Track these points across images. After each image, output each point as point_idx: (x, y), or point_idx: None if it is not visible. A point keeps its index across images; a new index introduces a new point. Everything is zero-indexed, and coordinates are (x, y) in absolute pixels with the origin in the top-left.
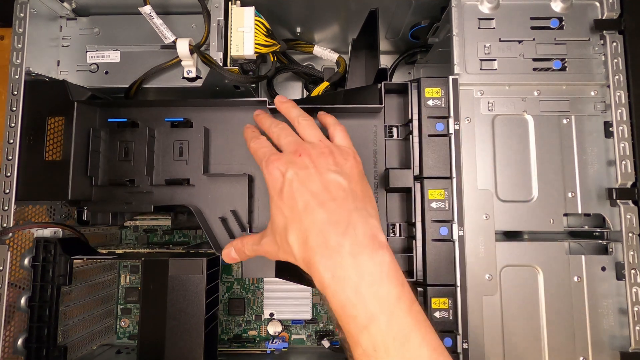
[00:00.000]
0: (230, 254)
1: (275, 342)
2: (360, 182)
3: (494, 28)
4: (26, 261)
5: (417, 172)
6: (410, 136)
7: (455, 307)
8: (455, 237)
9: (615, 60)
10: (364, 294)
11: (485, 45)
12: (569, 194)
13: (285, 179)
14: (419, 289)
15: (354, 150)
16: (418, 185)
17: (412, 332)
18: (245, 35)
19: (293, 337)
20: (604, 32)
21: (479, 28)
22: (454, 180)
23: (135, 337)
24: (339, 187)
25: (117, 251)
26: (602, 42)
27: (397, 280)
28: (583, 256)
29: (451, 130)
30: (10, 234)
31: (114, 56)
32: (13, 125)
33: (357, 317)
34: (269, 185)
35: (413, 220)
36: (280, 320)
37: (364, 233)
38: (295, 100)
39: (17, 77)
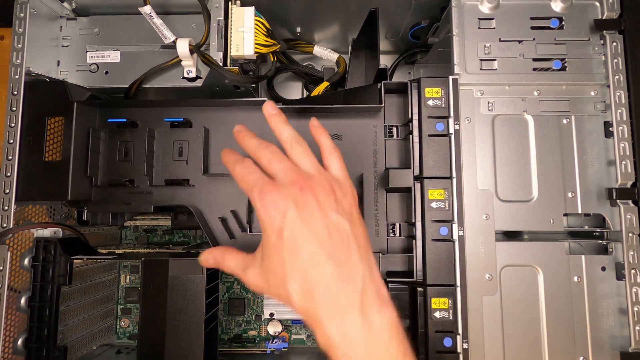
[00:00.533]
0: (208, 260)
1: (275, 342)
2: (359, 223)
3: (494, 28)
4: (26, 261)
5: (417, 172)
6: (410, 136)
7: (455, 307)
8: (455, 237)
9: (615, 60)
10: (376, 353)
11: (485, 45)
12: (569, 194)
13: (285, 219)
14: (419, 289)
15: (351, 183)
16: (418, 185)
17: None
18: (245, 35)
19: (293, 337)
20: (604, 32)
21: (479, 28)
22: (454, 180)
23: (135, 337)
24: (343, 232)
25: (117, 251)
26: (602, 42)
27: (402, 335)
28: (583, 256)
29: (451, 130)
30: (10, 235)
31: (114, 56)
32: (13, 125)
33: None
34: (263, 220)
35: (413, 220)
36: (280, 320)
37: (371, 289)
38: (295, 101)
39: (17, 77)
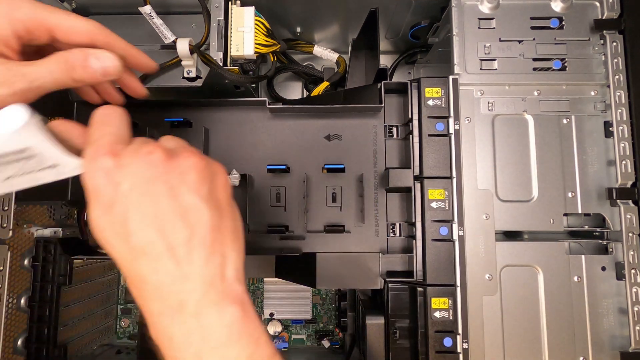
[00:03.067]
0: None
1: (275, 342)
2: (229, 211)
3: (494, 28)
4: (26, 261)
5: (417, 171)
6: (410, 136)
7: (455, 307)
8: (455, 237)
9: (615, 60)
10: (207, 358)
11: (485, 45)
12: (569, 194)
13: (117, 195)
14: (419, 288)
15: (220, 165)
16: (418, 185)
17: None
18: (245, 35)
19: (293, 337)
20: (604, 32)
21: (479, 28)
22: (454, 180)
23: (135, 337)
24: (196, 219)
25: None
26: (602, 42)
27: (249, 338)
28: (583, 256)
29: (451, 130)
30: (10, 234)
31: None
32: None
33: None
34: (89, 188)
35: (413, 220)
36: (280, 320)
37: (215, 286)
38: (295, 101)
39: None
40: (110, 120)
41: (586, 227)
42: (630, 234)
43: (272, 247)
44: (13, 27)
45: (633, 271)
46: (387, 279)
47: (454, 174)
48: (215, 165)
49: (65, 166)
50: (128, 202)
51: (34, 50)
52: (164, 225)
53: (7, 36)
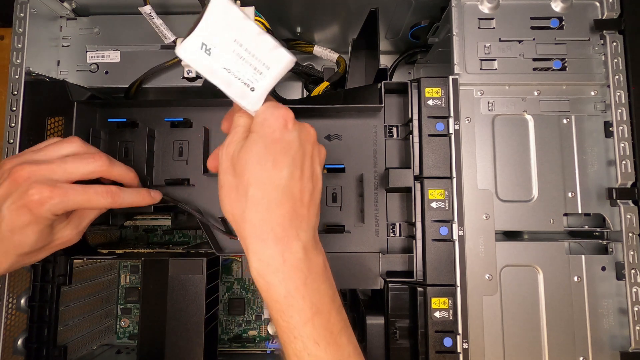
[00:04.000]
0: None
1: (275, 342)
2: (320, 181)
3: (494, 28)
4: None
5: (417, 172)
6: (410, 136)
7: (455, 307)
8: (455, 237)
9: (615, 60)
10: (311, 287)
11: (485, 45)
12: (569, 194)
13: (288, 135)
14: (419, 288)
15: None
16: (418, 185)
17: (343, 329)
18: None
19: None
20: (604, 32)
21: (479, 28)
22: (454, 180)
23: (135, 337)
24: (317, 181)
25: (117, 251)
26: (602, 42)
27: (331, 279)
28: (583, 256)
29: (451, 130)
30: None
31: (114, 56)
32: (13, 125)
33: (302, 309)
34: (264, 124)
35: (413, 220)
36: None
37: (315, 236)
38: (295, 101)
39: (17, 77)
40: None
41: (586, 227)
42: (630, 234)
43: None
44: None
45: (633, 271)
46: (387, 279)
47: (454, 174)
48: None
49: (254, 99)
50: (291, 145)
51: None
52: (304, 172)
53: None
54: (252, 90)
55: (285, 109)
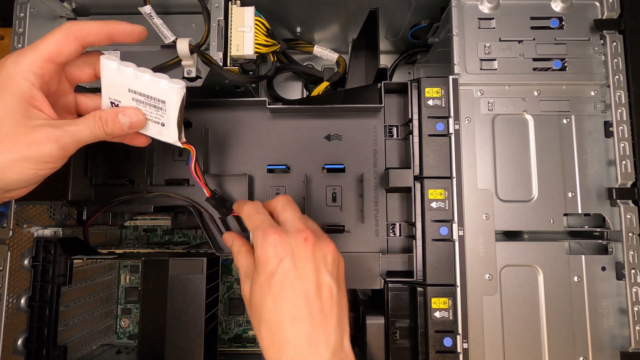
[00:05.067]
0: (227, 241)
1: None
2: (344, 290)
3: (494, 28)
4: (26, 261)
5: (417, 171)
6: (410, 136)
7: (455, 307)
8: (455, 237)
9: (615, 60)
10: None
11: (485, 45)
12: (569, 194)
13: (280, 266)
14: (419, 288)
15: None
16: (418, 185)
17: None
18: (245, 35)
19: None
20: (604, 32)
21: (479, 28)
22: (454, 180)
23: (135, 337)
24: (329, 294)
25: (117, 251)
26: (602, 42)
27: None
28: (583, 256)
29: (451, 130)
30: (10, 234)
31: (114, 56)
32: None
33: None
34: (259, 259)
35: (413, 220)
36: None
37: (337, 354)
38: (295, 100)
39: None
40: (261, 211)
41: (586, 227)
42: (630, 234)
43: None
44: (29, 82)
45: (633, 271)
46: (387, 279)
47: (454, 174)
48: (339, 253)
49: (171, 133)
50: (286, 275)
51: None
52: (308, 295)
53: (29, 92)
54: (164, 126)
55: (274, 233)
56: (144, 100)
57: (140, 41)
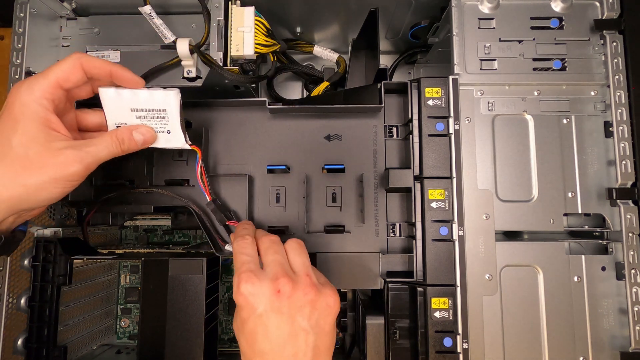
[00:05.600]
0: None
1: None
2: (328, 334)
3: (494, 28)
4: (26, 261)
5: (417, 172)
6: (410, 136)
7: (455, 307)
8: (455, 237)
9: (615, 60)
10: None
11: (485, 45)
12: (569, 194)
13: (253, 315)
14: (419, 288)
15: (336, 293)
16: (418, 185)
17: None
18: (245, 35)
19: None
20: (604, 32)
21: (479, 28)
22: (454, 180)
23: (135, 337)
24: (304, 343)
25: (117, 251)
26: (602, 42)
27: None
28: (583, 256)
29: (451, 130)
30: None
31: (114, 56)
32: None
33: None
34: (237, 302)
35: (413, 220)
36: None
37: None
38: (295, 101)
39: (17, 77)
40: (247, 251)
41: (586, 227)
42: (630, 234)
43: None
44: (44, 107)
45: (633, 271)
46: (387, 279)
47: (454, 174)
48: (327, 297)
49: (178, 138)
50: (258, 322)
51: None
52: (280, 341)
53: (45, 116)
54: (170, 133)
55: (246, 281)
56: (147, 115)
57: (138, 87)
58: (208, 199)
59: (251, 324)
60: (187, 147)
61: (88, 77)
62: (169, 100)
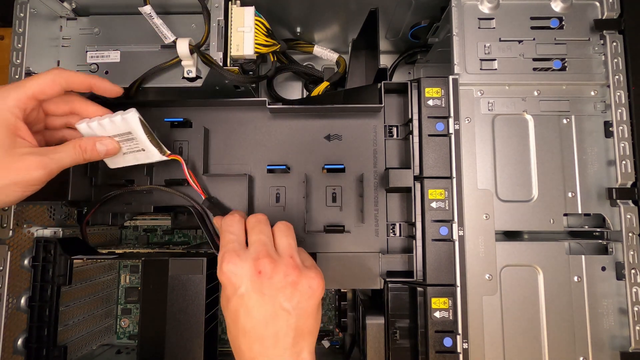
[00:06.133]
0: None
1: None
2: (311, 316)
3: (494, 28)
4: (26, 261)
5: (417, 172)
6: (410, 136)
7: (455, 307)
8: (455, 237)
9: (615, 60)
10: None
11: (485, 45)
12: (569, 194)
13: (235, 294)
14: (419, 288)
15: (321, 275)
16: (418, 185)
17: None
18: (245, 35)
19: None
20: (604, 32)
21: (479, 28)
22: (454, 180)
23: (135, 337)
24: (285, 323)
25: (117, 251)
26: (602, 42)
27: None
28: (583, 256)
29: (451, 130)
30: (10, 234)
31: (114, 56)
32: None
33: None
34: (220, 279)
35: (413, 220)
36: None
37: None
38: (295, 101)
39: (17, 77)
40: (233, 229)
41: (586, 227)
42: (630, 234)
43: None
44: (15, 115)
45: (633, 271)
46: (387, 279)
47: (454, 174)
48: (309, 279)
49: (152, 153)
50: (240, 301)
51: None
52: (261, 321)
53: (15, 124)
54: (144, 150)
55: (229, 261)
56: (120, 139)
57: (116, 96)
58: (203, 197)
59: (234, 302)
60: (166, 158)
61: (66, 90)
62: (128, 122)
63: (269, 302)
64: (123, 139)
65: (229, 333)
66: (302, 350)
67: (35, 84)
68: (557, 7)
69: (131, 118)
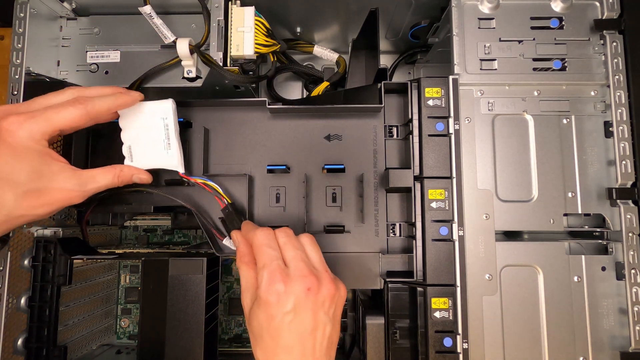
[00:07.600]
0: (234, 242)
1: None
2: (337, 326)
3: (494, 28)
4: (26, 261)
5: (417, 172)
6: (410, 136)
7: (455, 307)
8: (455, 237)
9: (615, 60)
10: None
11: (485, 45)
12: (569, 194)
13: (280, 312)
14: (419, 289)
15: (343, 286)
16: (418, 185)
17: None
18: (245, 35)
19: None
20: (604, 32)
21: (479, 28)
22: (454, 180)
23: (135, 337)
24: (323, 333)
25: (117, 251)
26: (602, 42)
27: None
28: (583, 256)
29: (451, 130)
30: (11, 233)
31: (114, 56)
32: None
33: None
34: (262, 298)
35: (413, 220)
36: None
37: None
38: (295, 101)
39: (17, 77)
40: (273, 245)
41: (586, 227)
42: (630, 234)
43: None
44: (44, 146)
45: (633, 271)
46: (387, 279)
47: (454, 174)
48: (342, 290)
49: (172, 156)
50: (285, 319)
51: None
52: (304, 337)
53: (45, 151)
54: (169, 146)
55: (279, 280)
56: (146, 130)
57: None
58: (221, 206)
59: (279, 320)
60: (181, 170)
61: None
62: (165, 110)
63: (312, 316)
64: (150, 131)
65: (264, 349)
66: (332, 357)
67: (63, 119)
68: (557, 7)
69: (168, 106)
